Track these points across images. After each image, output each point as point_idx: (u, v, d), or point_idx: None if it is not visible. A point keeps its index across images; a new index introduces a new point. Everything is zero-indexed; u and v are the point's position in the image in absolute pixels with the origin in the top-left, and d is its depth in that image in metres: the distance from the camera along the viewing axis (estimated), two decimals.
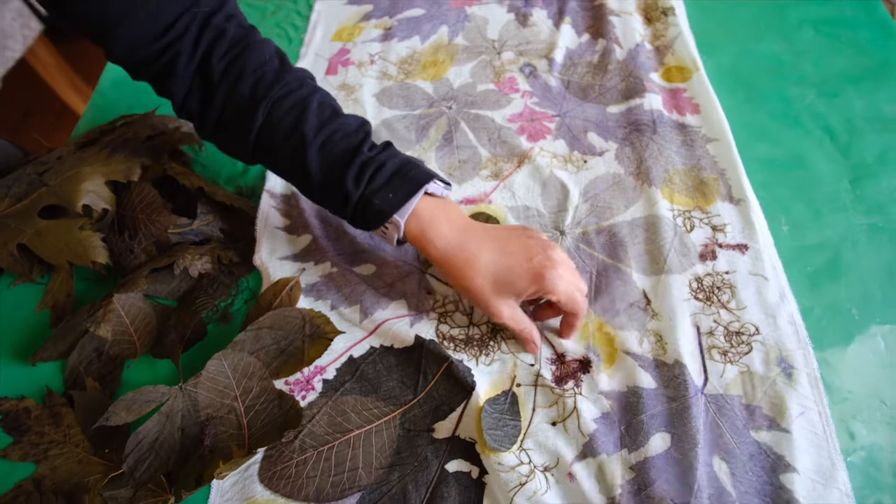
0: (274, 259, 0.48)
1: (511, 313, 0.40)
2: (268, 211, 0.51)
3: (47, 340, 0.44)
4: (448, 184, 0.43)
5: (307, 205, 0.51)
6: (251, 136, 0.41)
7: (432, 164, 0.53)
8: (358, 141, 0.40)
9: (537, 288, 0.39)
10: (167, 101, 0.60)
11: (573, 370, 0.41)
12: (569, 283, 0.39)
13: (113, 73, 0.64)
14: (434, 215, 0.40)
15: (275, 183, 0.53)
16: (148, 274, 0.45)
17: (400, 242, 0.42)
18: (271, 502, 0.37)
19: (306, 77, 0.43)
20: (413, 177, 0.40)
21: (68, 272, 0.46)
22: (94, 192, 0.46)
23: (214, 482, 0.38)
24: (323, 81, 0.60)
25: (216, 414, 0.40)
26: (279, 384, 0.42)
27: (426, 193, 0.40)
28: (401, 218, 0.39)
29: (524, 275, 0.39)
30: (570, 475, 0.37)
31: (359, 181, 0.39)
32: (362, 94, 0.58)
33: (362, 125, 0.42)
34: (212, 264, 0.46)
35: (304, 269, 0.47)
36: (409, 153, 0.53)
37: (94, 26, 0.38)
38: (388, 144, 0.42)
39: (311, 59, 0.62)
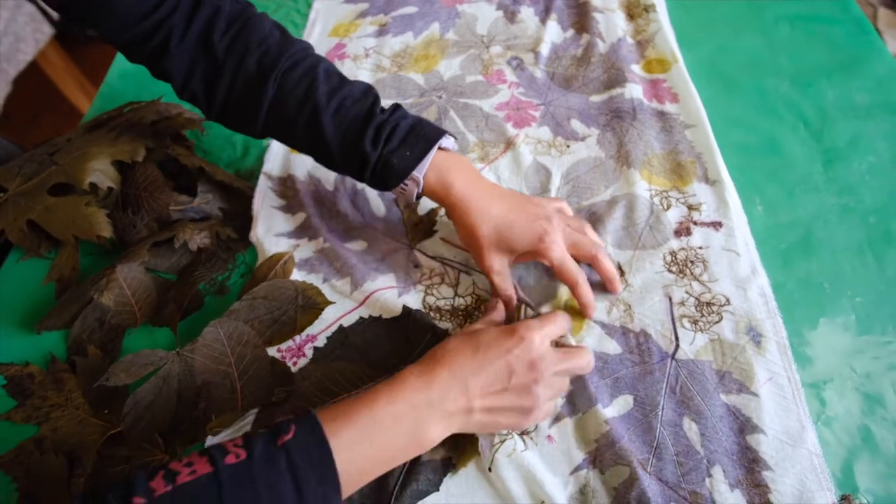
0: (270, 235, 0.50)
1: (500, 268, 0.42)
2: (265, 191, 0.53)
3: (52, 310, 0.46)
4: (455, 138, 0.45)
5: (302, 186, 0.53)
6: (262, 109, 0.42)
7: None
8: (369, 104, 0.42)
9: (534, 249, 0.41)
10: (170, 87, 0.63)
11: None
12: (563, 252, 0.42)
13: (121, 65, 0.67)
14: (450, 165, 0.42)
15: (272, 166, 0.55)
16: (150, 247, 0.47)
17: (418, 197, 0.44)
18: None
19: (307, 47, 0.45)
20: (427, 134, 0.42)
21: (74, 247, 0.48)
22: (100, 171, 0.48)
23: (207, 444, 0.40)
24: None
25: (211, 379, 0.42)
26: (272, 351, 0.43)
27: (439, 148, 0.43)
28: (419, 173, 0.42)
29: (525, 233, 0.41)
30: (550, 437, 0.38)
31: (376, 143, 0.41)
32: None
33: (369, 89, 0.44)
34: (210, 239, 0.48)
35: (297, 244, 0.49)
36: None
37: (87, 4, 0.39)
38: (397, 106, 0.44)
39: None
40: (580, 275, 0.42)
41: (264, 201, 0.52)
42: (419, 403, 0.33)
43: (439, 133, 0.42)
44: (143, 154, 0.50)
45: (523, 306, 0.42)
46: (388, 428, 0.32)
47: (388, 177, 0.42)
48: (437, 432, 0.33)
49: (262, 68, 0.41)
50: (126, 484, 0.28)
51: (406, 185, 0.42)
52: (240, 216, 0.52)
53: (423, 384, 0.33)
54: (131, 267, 0.45)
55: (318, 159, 0.45)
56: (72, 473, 0.39)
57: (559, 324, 0.38)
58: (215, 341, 0.43)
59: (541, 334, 0.36)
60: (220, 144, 0.57)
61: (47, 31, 1.48)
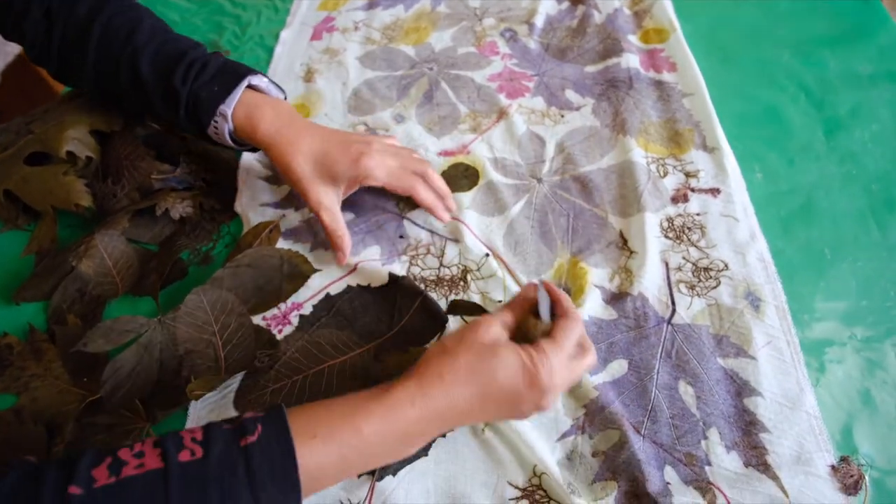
0: (255, 205, 0.51)
1: (329, 204, 0.43)
2: (250, 163, 0.53)
3: (30, 279, 0.47)
4: (282, 90, 0.47)
5: None
6: (89, 53, 0.44)
7: (412, 120, 0.55)
8: (187, 46, 0.45)
9: (355, 173, 0.43)
10: None
11: None
12: (389, 167, 0.43)
13: None
14: (259, 103, 0.44)
15: None
16: (131, 217, 0.47)
17: (235, 142, 0.45)
18: None
19: (139, 6, 0.47)
20: (236, 70, 0.44)
21: (52, 217, 0.49)
22: (77, 140, 0.49)
23: (191, 411, 0.40)
24: (308, 47, 0.63)
25: (194, 348, 0.42)
26: (256, 319, 0.44)
27: (252, 87, 0.44)
28: (227, 108, 0.43)
29: (342, 159, 0.42)
30: None
31: (185, 79, 0.43)
32: (346, 57, 0.61)
33: (196, 43, 0.46)
34: (193, 209, 0.49)
35: (283, 214, 0.50)
36: (389, 111, 0.57)
37: None
38: (217, 53, 0.46)
39: (296, 27, 0.66)
40: (416, 180, 0.44)
41: (249, 172, 0.53)
42: (410, 431, 0.32)
43: (251, 71, 0.44)
44: (121, 123, 0.50)
45: (535, 321, 0.36)
46: (370, 448, 0.31)
47: (199, 114, 0.43)
48: (415, 448, 0.33)
49: (90, 12, 0.44)
50: (68, 464, 0.26)
51: (217, 122, 0.43)
52: (225, 187, 0.52)
53: (421, 416, 0.31)
54: (111, 235, 0.46)
55: (143, 108, 0.47)
56: (51, 443, 0.39)
57: (576, 343, 0.35)
58: (198, 309, 0.43)
59: (562, 378, 0.33)
60: None
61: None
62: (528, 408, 0.33)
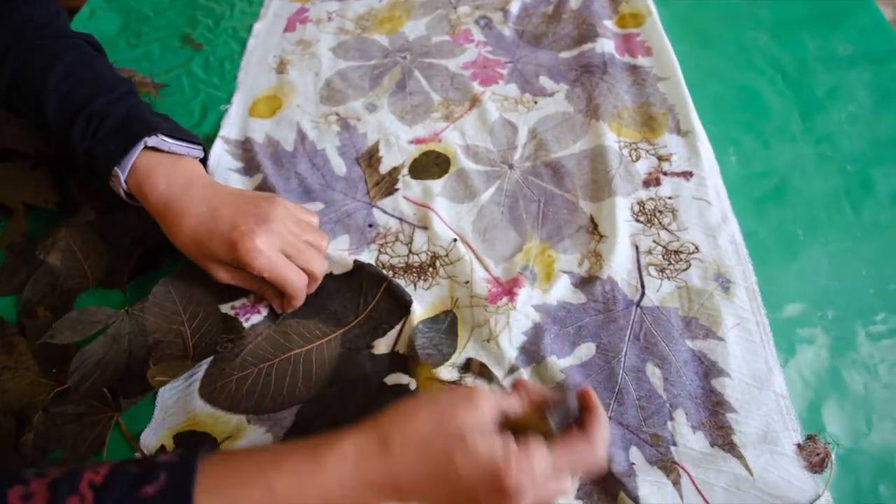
0: None
1: (231, 277, 0.41)
2: (220, 154, 0.54)
3: (0, 273, 0.47)
4: (195, 143, 0.45)
5: (260, 149, 0.55)
6: (3, 84, 0.44)
7: (384, 110, 0.56)
8: (96, 92, 0.43)
9: (231, 258, 0.39)
10: (125, 56, 0.64)
11: (508, 287, 0.43)
12: (271, 259, 0.39)
13: None
14: (151, 170, 0.42)
15: (229, 130, 0.56)
16: (102, 211, 0.48)
17: (129, 196, 0.43)
18: (211, 415, 0.39)
19: (82, 40, 0.47)
20: (133, 129, 0.42)
21: (22, 213, 0.50)
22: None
23: (158, 401, 0.41)
24: (281, 39, 0.64)
25: (163, 338, 0.43)
26: (225, 308, 0.44)
27: (150, 148, 0.42)
28: (121, 171, 0.41)
29: (221, 242, 0.39)
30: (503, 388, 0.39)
31: (84, 133, 0.42)
32: (319, 49, 0.62)
33: (113, 84, 0.45)
34: None
35: None
36: (361, 101, 0.58)
37: None
38: (128, 94, 0.45)
39: (269, 19, 0.67)
40: (293, 277, 0.40)
41: (220, 164, 0.54)
42: (336, 502, 0.27)
43: (149, 130, 0.42)
44: None
45: (543, 422, 0.30)
46: None
47: (95, 170, 0.42)
48: None
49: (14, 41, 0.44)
50: None
51: (113, 180, 0.42)
52: None
53: (353, 485, 0.27)
54: (79, 227, 0.47)
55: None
56: (20, 433, 0.40)
57: (583, 467, 0.30)
58: (166, 299, 0.44)
59: (534, 495, 0.27)
60: (177, 111, 0.59)
61: None
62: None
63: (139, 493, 0.26)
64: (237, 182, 0.53)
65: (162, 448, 0.38)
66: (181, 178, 0.42)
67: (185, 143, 0.44)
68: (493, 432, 0.28)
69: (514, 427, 0.30)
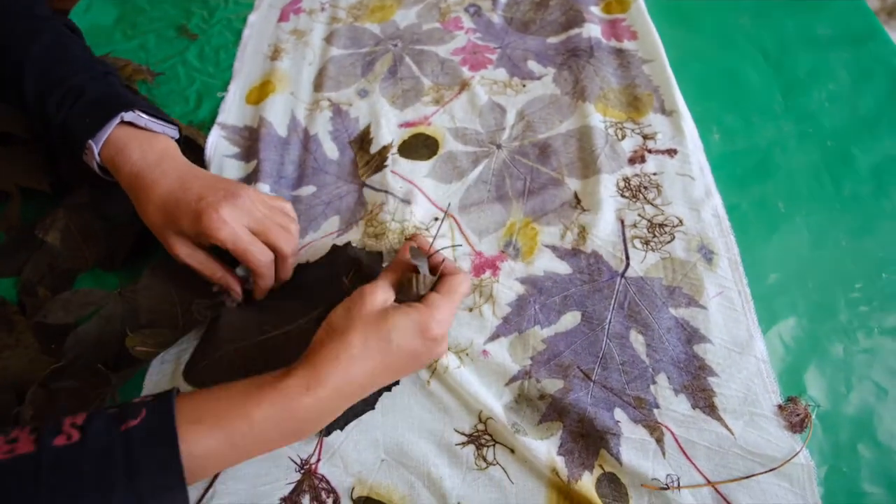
0: None
1: (189, 253, 0.40)
2: (217, 141, 0.55)
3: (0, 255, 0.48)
4: (171, 122, 0.45)
5: (256, 135, 0.55)
6: None
7: (376, 94, 0.57)
8: (74, 70, 0.43)
9: (198, 229, 0.38)
10: (121, 47, 0.65)
11: (491, 261, 0.44)
12: (235, 231, 0.38)
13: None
14: (127, 142, 0.41)
15: (226, 117, 0.57)
16: (101, 193, 0.49)
17: (102, 170, 0.43)
18: None
19: (60, 23, 0.47)
20: (112, 103, 0.42)
21: (18, 197, 0.50)
22: None
23: (146, 382, 0.41)
24: (275, 28, 0.65)
25: (157, 318, 0.43)
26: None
27: (126, 123, 0.42)
28: (95, 144, 0.41)
29: (187, 212, 0.39)
30: (485, 352, 0.39)
31: (60, 106, 0.42)
32: (312, 38, 0.63)
33: (91, 65, 0.45)
34: None
35: None
36: (353, 87, 0.58)
37: None
38: (106, 74, 0.45)
39: (264, 9, 0.67)
40: (261, 256, 0.39)
41: (216, 150, 0.54)
42: (307, 417, 0.31)
43: (126, 105, 0.42)
44: None
45: (415, 281, 0.37)
46: (262, 434, 0.30)
47: (68, 143, 0.42)
48: (319, 427, 0.34)
49: None
50: None
51: (86, 154, 0.42)
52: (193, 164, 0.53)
53: (318, 400, 0.31)
54: (78, 208, 0.47)
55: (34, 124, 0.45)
56: (19, 408, 0.40)
57: (464, 296, 0.38)
58: (158, 281, 0.44)
59: (442, 317, 0.35)
60: (173, 98, 0.59)
61: None
62: (427, 358, 0.36)
63: (123, 426, 0.27)
64: (233, 167, 0.53)
65: None
66: (155, 153, 0.42)
67: (161, 122, 0.44)
68: (398, 305, 0.35)
69: (399, 291, 0.37)
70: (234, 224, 0.38)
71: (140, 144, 0.42)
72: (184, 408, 0.29)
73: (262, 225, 0.40)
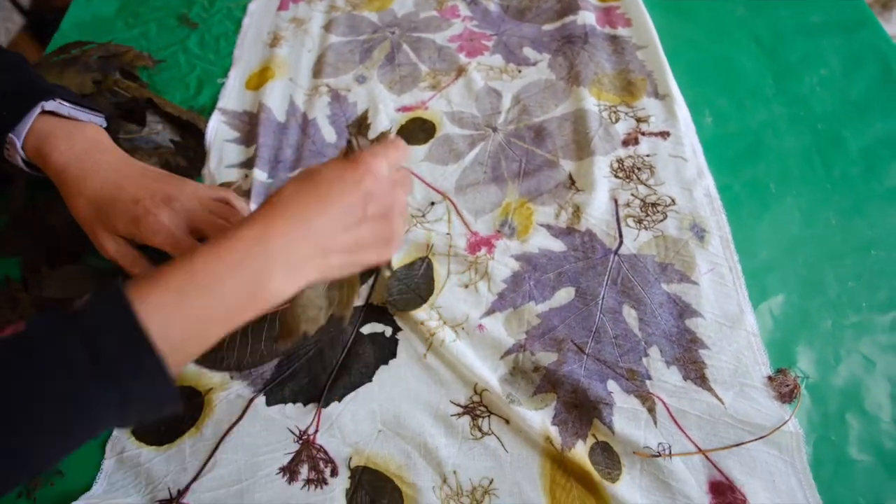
0: (221, 167, 0.52)
1: (118, 249, 0.39)
2: (217, 125, 0.55)
3: (4, 236, 0.48)
4: (96, 111, 0.43)
5: (256, 120, 0.55)
6: None
7: (373, 81, 0.57)
8: None
9: (133, 233, 0.37)
10: (123, 35, 0.65)
11: (487, 239, 0.44)
12: (174, 235, 0.37)
13: (75, 15, 0.69)
14: (52, 132, 0.39)
15: (226, 102, 0.57)
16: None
17: (29, 165, 0.41)
18: (196, 372, 0.40)
19: None
20: (28, 94, 0.39)
21: (23, 180, 0.50)
22: None
23: None
24: (275, 17, 0.65)
25: None
26: None
27: (48, 113, 0.39)
28: (16, 136, 0.39)
29: (124, 214, 0.37)
30: (481, 327, 0.40)
31: None
32: (311, 26, 0.63)
33: (8, 54, 0.42)
34: (159, 165, 0.50)
35: (246, 174, 0.51)
36: (352, 73, 0.58)
37: None
38: (18, 64, 0.42)
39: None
40: None
41: (217, 134, 0.54)
42: (255, 256, 0.29)
43: (46, 94, 0.39)
44: (91, 87, 0.52)
45: (355, 139, 0.36)
46: (213, 284, 0.28)
47: None
48: (282, 285, 0.30)
49: None
50: None
51: (8, 149, 0.40)
52: (192, 149, 0.54)
53: (259, 235, 0.29)
54: None
55: None
56: None
57: (397, 149, 0.35)
58: (154, 262, 0.45)
59: (385, 158, 0.33)
60: (174, 84, 0.60)
61: (18, 20, 1.52)
62: (374, 195, 0.32)
63: (70, 310, 0.25)
64: (233, 152, 0.53)
65: None
66: (84, 142, 0.40)
67: (85, 110, 0.42)
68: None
69: None
70: (172, 227, 0.37)
71: (66, 134, 0.39)
72: (132, 282, 0.27)
73: (204, 223, 0.39)
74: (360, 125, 0.54)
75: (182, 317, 0.27)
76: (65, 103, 0.41)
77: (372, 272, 0.43)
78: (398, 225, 0.34)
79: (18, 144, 0.39)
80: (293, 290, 0.31)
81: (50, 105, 0.40)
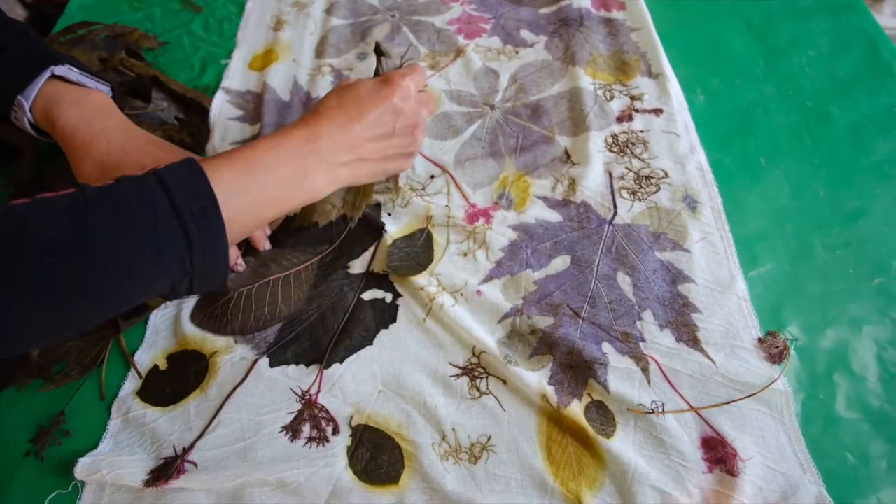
0: (225, 144, 0.52)
1: None
2: (222, 104, 0.55)
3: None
4: (103, 81, 0.43)
5: (259, 98, 0.55)
6: None
7: (373, 57, 0.57)
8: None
9: None
10: (128, 18, 0.65)
11: (485, 210, 0.44)
12: None
13: None
14: (61, 96, 0.39)
15: (230, 82, 0.57)
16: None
17: (36, 130, 0.41)
18: (201, 336, 0.39)
19: None
20: (40, 58, 0.39)
21: (31, 152, 0.50)
22: None
23: (149, 325, 0.41)
24: (277, 0, 0.65)
25: None
26: None
27: (57, 77, 0.40)
28: (25, 99, 0.39)
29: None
30: (479, 293, 0.40)
31: None
32: (313, 9, 0.63)
33: (15, 22, 0.43)
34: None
35: None
36: (353, 52, 0.58)
37: None
38: (25, 32, 0.42)
39: None
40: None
41: (221, 113, 0.54)
42: (305, 153, 0.34)
43: (56, 59, 0.39)
44: (98, 65, 0.52)
45: (381, 62, 0.44)
46: (272, 168, 0.33)
47: None
48: (323, 182, 0.35)
49: None
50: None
51: (16, 112, 0.40)
52: (196, 126, 0.54)
53: (309, 134, 0.34)
54: None
55: None
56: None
57: (422, 73, 0.40)
58: None
59: (413, 80, 0.38)
60: (178, 65, 0.59)
61: (20, 13, 1.51)
62: (403, 110, 0.37)
63: (149, 172, 0.29)
64: (238, 130, 0.53)
65: (155, 367, 0.39)
66: (92, 107, 0.40)
67: (93, 77, 0.42)
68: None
69: None
70: None
71: (75, 99, 0.40)
72: (200, 160, 0.31)
73: None
74: (383, 50, 0.53)
75: (243, 190, 0.31)
76: (74, 69, 0.41)
77: (374, 241, 0.43)
78: (419, 139, 0.39)
79: (27, 106, 0.39)
80: (331, 189, 0.36)
81: (60, 70, 0.40)
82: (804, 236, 0.42)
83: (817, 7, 0.59)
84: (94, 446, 0.35)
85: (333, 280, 0.41)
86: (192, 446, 0.35)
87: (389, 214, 0.44)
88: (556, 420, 0.35)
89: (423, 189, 0.46)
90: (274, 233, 0.44)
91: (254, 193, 0.32)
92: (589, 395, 0.35)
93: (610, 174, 0.46)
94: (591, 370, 0.35)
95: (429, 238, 0.43)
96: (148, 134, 0.41)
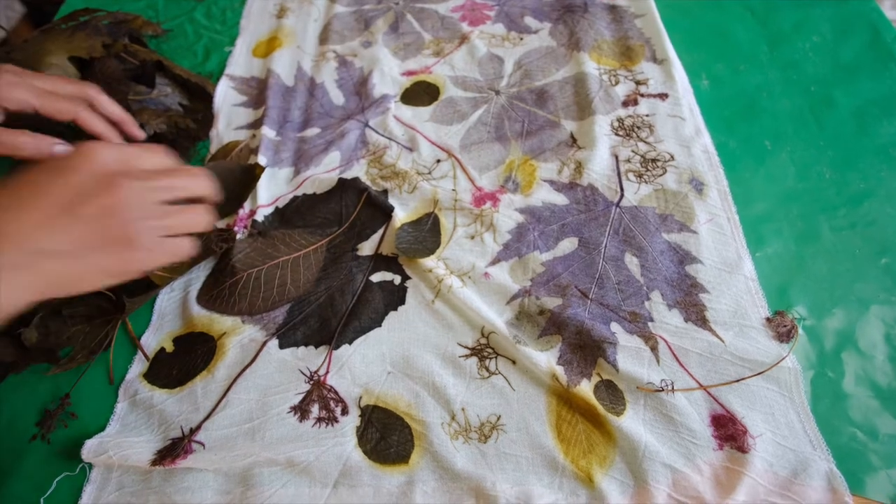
0: (229, 130, 0.51)
1: None
2: (226, 90, 0.54)
3: None
4: None
5: (263, 84, 0.54)
6: None
7: (378, 46, 0.56)
8: None
9: None
10: (130, 6, 0.64)
11: (491, 194, 0.43)
12: (33, 86, 0.36)
13: None
14: None
15: (234, 68, 0.56)
16: None
17: None
18: (208, 317, 0.39)
19: None
20: None
21: None
22: (57, 65, 0.49)
23: (156, 307, 0.40)
24: None
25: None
26: (220, 225, 0.44)
27: None
28: None
29: None
30: (487, 275, 0.39)
31: None
32: None
33: None
34: (168, 127, 0.49)
35: (254, 134, 0.50)
36: (357, 40, 0.57)
37: None
38: None
39: None
40: (77, 105, 0.37)
41: (225, 99, 0.53)
42: None
43: None
44: (101, 51, 0.51)
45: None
46: None
47: None
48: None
49: None
50: None
51: None
52: (201, 112, 0.53)
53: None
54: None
55: None
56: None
57: (152, 154, 0.31)
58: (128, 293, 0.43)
59: (111, 148, 0.29)
60: (181, 52, 0.58)
61: (19, 9, 1.49)
62: (86, 185, 0.27)
63: None
64: (242, 115, 0.52)
65: (161, 350, 0.38)
66: None
67: None
68: None
69: None
70: (30, 82, 0.36)
71: None
72: None
73: (52, 81, 0.38)
74: (365, 83, 0.52)
75: None
76: None
77: (383, 224, 0.42)
78: (138, 222, 0.28)
79: None
80: (10, 305, 0.26)
81: None
82: (810, 218, 0.42)
83: None
84: (101, 429, 0.35)
85: (342, 262, 0.41)
86: (199, 427, 0.34)
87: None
88: (565, 399, 0.34)
89: (430, 173, 0.45)
90: (282, 212, 0.44)
91: None
92: (598, 374, 0.35)
93: (616, 157, 0.45)
94: (601, 349, 0.35)
95: (436, 222, 0.42)
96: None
